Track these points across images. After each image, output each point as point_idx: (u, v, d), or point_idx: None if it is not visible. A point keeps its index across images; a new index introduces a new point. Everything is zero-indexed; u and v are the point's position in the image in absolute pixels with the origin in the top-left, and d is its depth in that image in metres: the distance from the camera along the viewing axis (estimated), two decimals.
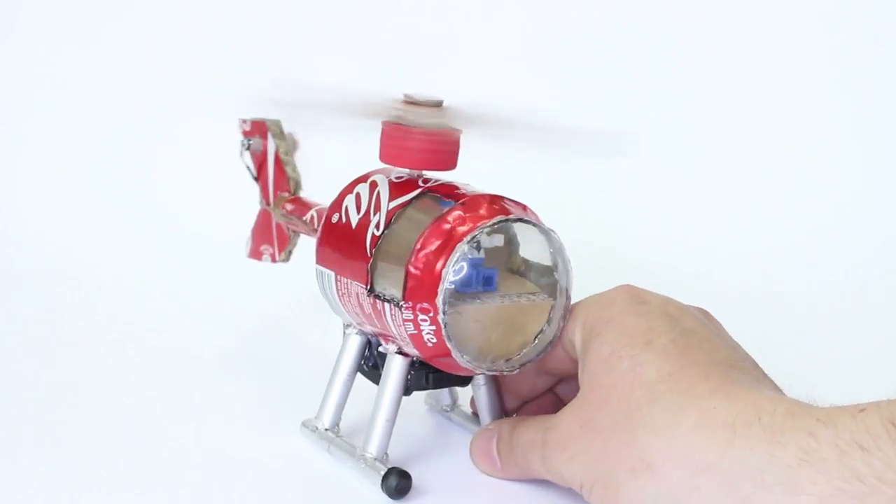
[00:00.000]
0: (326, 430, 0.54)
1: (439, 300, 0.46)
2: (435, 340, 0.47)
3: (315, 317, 0.64)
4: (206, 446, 0.55)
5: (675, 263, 0.82)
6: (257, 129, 0.65)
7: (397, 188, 0.51)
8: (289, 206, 0.62)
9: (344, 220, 0.52)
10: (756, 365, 0.47)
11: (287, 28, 1.00)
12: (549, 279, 0.49)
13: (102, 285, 0.83)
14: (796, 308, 0.81)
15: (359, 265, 0.50)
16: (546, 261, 0.49)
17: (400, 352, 0.51)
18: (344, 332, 0.56)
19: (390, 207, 0.50)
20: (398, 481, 0.49)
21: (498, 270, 0.49)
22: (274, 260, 0.66)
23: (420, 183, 0.51)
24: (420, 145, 0.51)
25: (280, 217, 0.63)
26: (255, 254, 0.67)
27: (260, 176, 0.65)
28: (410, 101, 0.51)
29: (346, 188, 0.54)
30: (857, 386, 0.44)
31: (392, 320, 0.48)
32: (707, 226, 0.90)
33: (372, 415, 0.51)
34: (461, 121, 0.50)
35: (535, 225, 0.48)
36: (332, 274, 0.52)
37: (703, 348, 0.45)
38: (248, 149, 0.65)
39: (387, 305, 0.48)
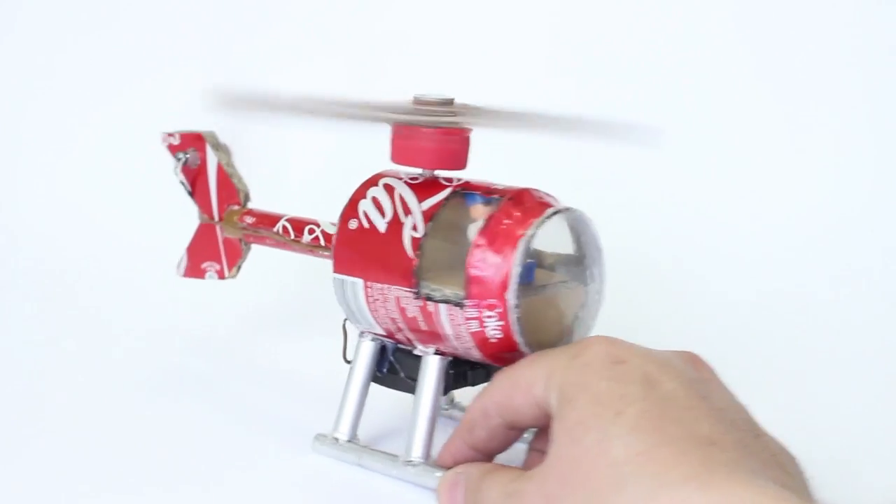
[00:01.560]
0: (349, 441, 0.53)
1: (510, 296, 0.47)
2: (500, 336, 0.48)
3: (277, 330, 0.63)
4: (210, 472, 0.53)
5: (690, 259, 0.82)
6: (190, 143, 0.62)
7: (421, 189, 0.51)
8: (249, 219, 0.60)
9: (367, 225, 0.51)
10: (748, 427, 0.42)
11: (291, 30, 0.98)
12: (575, 267, 0.51)
13: (107, 290, 0.82)
14: (815, 307, 0.81)
15: (399, 269, 0.50)
16: (569, 250, 0.51)
17: (438, 352, 0.51)
18: (345, 341, 0.55)
19: (424, 209, 0.50)
20: None
21: (536, 262, 0.50)
22: (222, 276, 0.63)
23: (443, 182, 0.51)
24: (433, 145, 0.51)
25: (235, 231, 0.61)
26: (194, 272, 0.64)
27: (198, 191, 0.63)
28: (421, 102, 0.51)
29: (356, 193, 0.53)
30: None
31: (448, 321, 0.48)
32: (725, 222, 0.89)
33: (412, 418, 0.51)
34: (473, 118, 0.51)
35: (578, 213, 0.50)
36: (360, 282, 0.51)
37: (683, 421, 0.40)
38: (185, 163, 0.62)
39: (441, 306, 0.48)
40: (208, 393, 0.63)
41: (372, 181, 0.53)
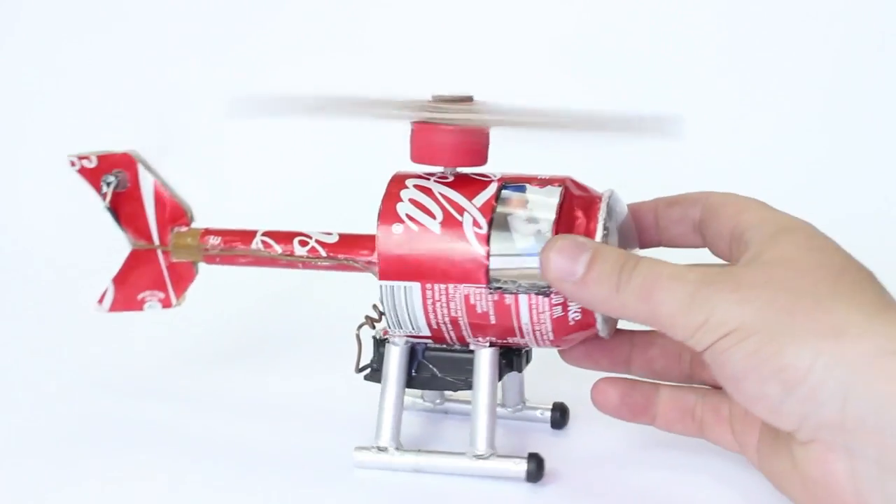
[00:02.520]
0: (397, 448, 0.53)
1: None
2: (580, 317, 0.50)
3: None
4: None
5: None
6: (113, 164, 0.57)
7: (461, 187, 0.51)
8: (214, 240, 0.56)
9: (415, 228, 0.51)
10: None
11: (307, 30, 0.98)
12: (623, 241, 0.53)
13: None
14: None
15: (469, 266, 0.50)
16: (614, 226, 0.53)
17: (491, 344, 0.52)
18: (359, 351, 0.54)
19: (480, 205, 0.51)
20: (539, 462, 0.51)
21: None
22: (168, 305, 0.58)
23: (480, 178, 0.52)
24: (456, 142, 0.52)
25: (191, 254, 0.57)
26: (127, 304, 0.58)
27: (127, 215, 0.57)
28: (440, 99, 0.52)
29: (387, 198, 0.52)
30: None
31: (528, 310, 0.50)
32: None
33: (473, 412, 0.52)
34: (492, 115, 0.52)
35: (616, 193, 0.53)
36: (416, 285, 0.51)
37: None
38: (115, 187, 0.57)
39: (522, 297, 0.50)
40: (201, 436, 0.57)
41: (397, 185, 0.52)
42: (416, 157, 0.52)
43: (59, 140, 0.89)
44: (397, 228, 0.51)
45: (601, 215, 0.50)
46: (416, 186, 0.52)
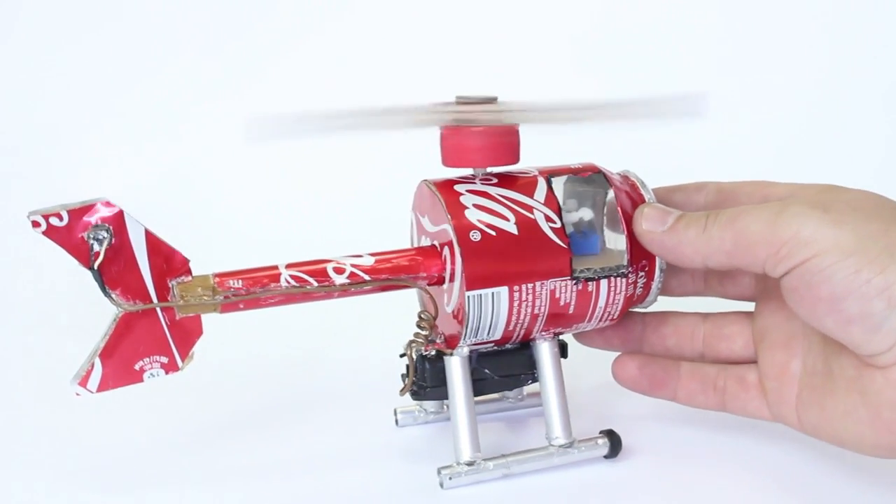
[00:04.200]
0: (488, 459, 0.52)
1: None
2: (642, 290, 0.53)
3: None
4: None
5: None
6: (86, 217, 0.48)
7: (512, 185, 0.52)
8: (235, 283, 0.50)
9: (493, 232, 0.50)
10: None
11: (325, 43, 0.98)
12: None
13: None
14: None
15: (553, 261, 0.50)
16: None
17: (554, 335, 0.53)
18: (411, 368, 0.53)
19: (543, 200, 0.51)
20: (617, 439, 0.54)
21: None
22: (174, 369, 0.50)
23: (523, 175, 0.52)
24: (489, 143, 0.52)
25: (204, 306, 0.49)
26: (121, 379, 0.49)
27: (114, 274, 0.48)
28: (464, 102, 0.52)
29: (452, 208, 0.50)
30: None
31: (607, 294, 0.52)
32: None
33: (546, 405, 0.53)
34: (522, 113, 0.52)
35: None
36: (504, 289, 0.50)
37: None
38: (109, 244, 0.48)
39: (603, 282, 0.51)
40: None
41: (451, 193, 0.51)
42: (449, 160, 0.52)
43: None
44: (475, 236, 0.50)
45: (645, 192, 0.53)
46: (471, 192, 0.51)
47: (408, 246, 0.56)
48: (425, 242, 0.54)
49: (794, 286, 0.46)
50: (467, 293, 0.50)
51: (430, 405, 0.58)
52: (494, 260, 0.50)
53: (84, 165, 0.94)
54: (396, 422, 0.58)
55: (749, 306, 0.56)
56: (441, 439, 0.57)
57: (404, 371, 0.55)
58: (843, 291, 0.44)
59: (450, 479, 0.51)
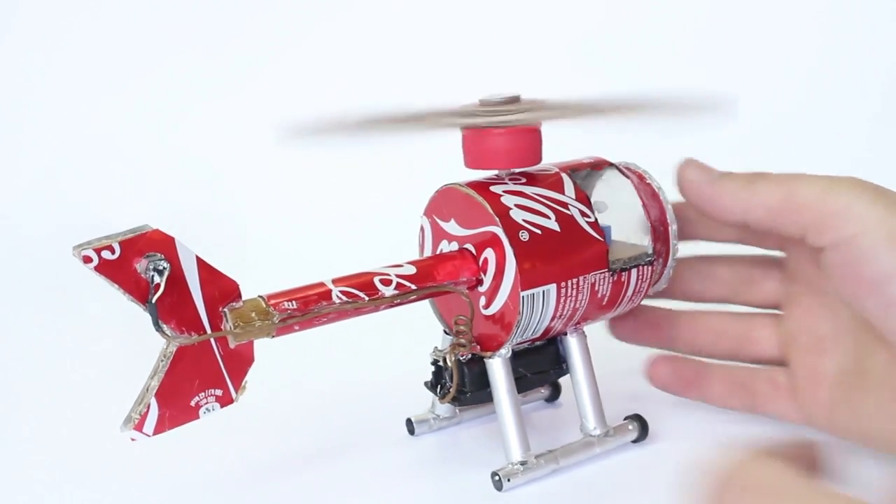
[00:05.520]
0: (537, 457, 0.52)
1: (672, 238, 0.55)
2: (657, 277, 0.55)
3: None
4: None
5: None
6: (143, 248, 0.44)
7: (542, 183, 0.52)
8: (290, 304, 0.47)
9: (539, 231, 0.50)
10: None
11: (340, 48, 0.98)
12: None
13: None
14: None
15: (593, 255, 0.52)
16: None
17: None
18: (455, 375, 0.52)
19: (574, 196, 0.52)
20: (644, 423, 0.55)
21: None
22: (230, 401, 0.48)
23: (546, 174, 0.53)
24: (514, 144, 0.52)
25: (261, 331, 0.47)
26: (180, 417, 0.46)
27: (170, 305, 0.45)
28: (487, 103, 0.52)
29: (497, 209, 0.50)
30: None
31: (635, 283, 0.53)
32: None
33: (579, 397, 0.54)
34: (547, 111, 0.53)
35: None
36: (552, 287, 0.50)
37: None
38: (166, 276, 0.44)
39: (633, 272, 0.53)
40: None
41: (490, 195, 0.51)
42: (472, 163, 0.52)
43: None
44: (524, 236, 0.50)
45: (653, 182, 0.55)
46: (508, 192, 0.51)
47: (415, 252, 0.55)
48: (446, 247, 0.54)
49: (838, 262, 0.46)
50: (522, 293, 0.50)
51: (443, 410, 0.58)
52: (543, 258, 0.51)
53: (85, 171, 0.93)
54: (412, 431, 0.58)
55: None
56: (465, 443, 0.57)
57: (429, 379, 0.54)
58: (888, 273, 0.45)
59: (508, 480, 0.51)
